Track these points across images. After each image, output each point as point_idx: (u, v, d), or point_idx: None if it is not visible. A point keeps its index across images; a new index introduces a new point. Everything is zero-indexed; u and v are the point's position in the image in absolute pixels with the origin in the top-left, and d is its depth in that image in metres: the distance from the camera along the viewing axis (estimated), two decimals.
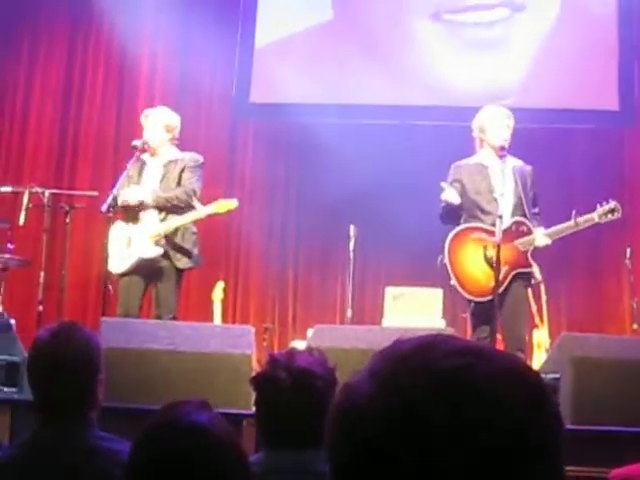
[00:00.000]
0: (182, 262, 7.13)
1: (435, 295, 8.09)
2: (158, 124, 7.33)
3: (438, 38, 9.70)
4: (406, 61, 9.71)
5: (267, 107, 9.96)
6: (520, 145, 6.79)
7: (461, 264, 6.56)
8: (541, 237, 6.50)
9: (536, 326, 8.42)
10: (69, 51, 10.27)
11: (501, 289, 6.29)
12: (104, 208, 6.88)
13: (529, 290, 6.82)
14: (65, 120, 10.16)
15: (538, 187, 6.74)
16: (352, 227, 7.70)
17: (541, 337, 8.49)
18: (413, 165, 9.15)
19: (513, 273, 6.43)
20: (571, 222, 6.46)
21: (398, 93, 9.66)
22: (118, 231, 7.13)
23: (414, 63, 9.70)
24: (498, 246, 6.18)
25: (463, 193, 6.61)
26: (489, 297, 6.28)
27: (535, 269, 6.60)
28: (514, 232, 6.47)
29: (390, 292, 8.45)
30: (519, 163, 6.72)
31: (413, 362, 1.02)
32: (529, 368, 1.07)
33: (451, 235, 6.61)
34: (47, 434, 2.89)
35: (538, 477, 0.99)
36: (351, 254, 7.70)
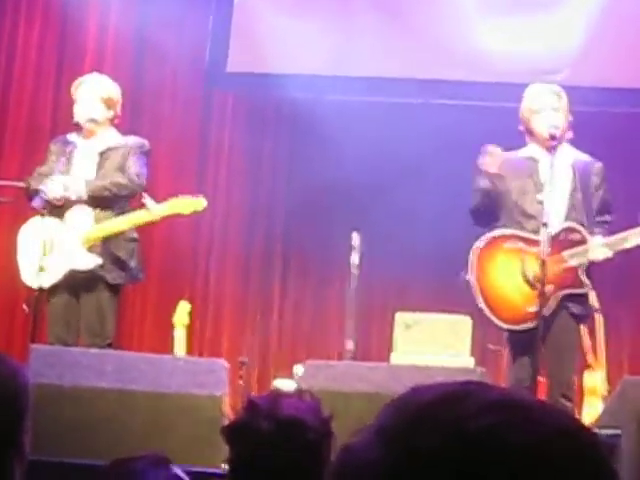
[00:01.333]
0: (112, 276, 7.03)
1: (461, 324, 8.09)
2: (95, 97, 7.17)
3: None
4: (430, 25, 9.71)
5: (249, 78, 9.96)
6: (574, 133, 6.78)
7: (491, 281, 6.52)
8: (598, 248, 6.36)
9: (589, 366, 8.40)
10: None
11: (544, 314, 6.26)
12: (36, 203, 6.85)
13: (581, 319, 6.73)
14: None
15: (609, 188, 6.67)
16: (355, 234, 7.69)
17: (597, 381, 8.47)
18: (435, 154, 9.15)
19: (560, 295, 6.35)
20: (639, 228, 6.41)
21: (420, 65, 9.66)
22: (34, 232, 7.02)
23: (440, 27, 9.70)
24: (543, 261, 6.13)
25: (505, 193, 6.57)
26: (528, 325, 6.26)
27: (590, 292, 6.56)
28: (562, 241, 6.35)
29: (402, 319, 8.45)
30: (584, 157, 6.67)
31: (435, 420, 1.00)
32: (582, 427, 1.06)
33: (479, 244, 6.55)
34: None
35: None
36: (353, 269, 7.69)
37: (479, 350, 8.38)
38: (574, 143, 6.69)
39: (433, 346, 8.09)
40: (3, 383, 2.94)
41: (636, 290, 9.34)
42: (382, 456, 1.01)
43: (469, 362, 7.93)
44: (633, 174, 9.56)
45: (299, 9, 9.81)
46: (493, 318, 6.48)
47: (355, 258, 7.69)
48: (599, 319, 8.25)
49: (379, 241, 8.67)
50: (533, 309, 6.22)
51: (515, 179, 6.56)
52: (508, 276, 6.47)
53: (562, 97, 6.63)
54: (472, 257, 6.51)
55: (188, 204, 7.10)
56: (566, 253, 6.36)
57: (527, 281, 6.37)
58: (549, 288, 6.26)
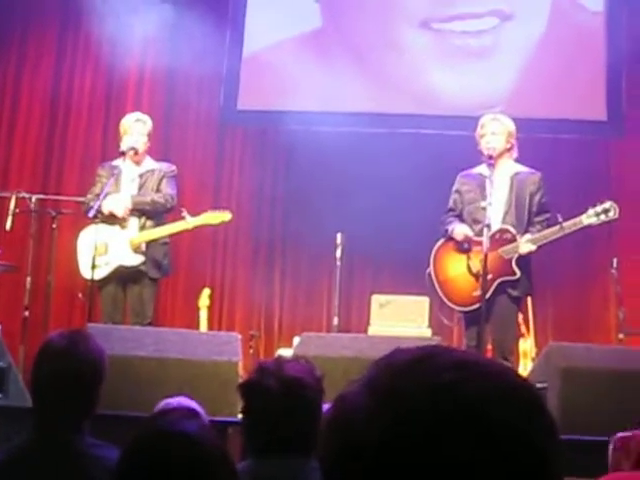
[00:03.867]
0: (152, 272, 7.13)
1: (421, 303, 8.11)
2: (145, 131, 7.32)
3: (426, 46, 9.70)
4: (394, 69, 9.71)
5: (254, 114, 9.95)
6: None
7: (445, 273, 6.65)
8: (525, 244, 6.45)
9: (522, 335, 8.42)
10: (57, 55, 10.21)
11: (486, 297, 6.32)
12: (91, 214, 6.86)
13: (518, 300, 6.73)
14: (52, 124, 10.11)
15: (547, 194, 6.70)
16: (339, 235, 7.70)
17: (527, 346, 8.50)
18: (400, 174, 9.12)
19: (497, 282, 6.43)
20: (556, 227, 6.41)
21: (386, 101, 9.66)
22: (90, 236, 7.06)
23: (402, 71, 9.70)
24: (485, 255, 6.20)
25: (461, 203, 6.67)
26: (475, 306, 6.34)
27: (523, 279, 6.57)
28: (498, 240, 6.45)
29: (376, 300, 8.46)
30: (523, 170, 6.72)
31: (410, 375, 1.01)
32: (524, 380, 1.06)
33: (437, 244, 6.77)
34: (40, 440, 2.88)
35: None
36: (338, 262, 7.70)
37: (436, 324, 8.37)
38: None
39: (400, 320, 8.11)
40: (93, 357, 2.97)
41: (556, 276, 9.33)
42: (369, 404, 1.01)
43: (427, 332, 7.96)
44: (551, 188, 9.55)
45: (292, 60, 9.77)
46: (448, 302, 6.66)
47: (339, 253, 7.69)
48: (529, 299, 8.29)
49: (358, 241, 8.64)
50: (477, 293, 6.33)
51: (469, 192, 6.65)
52: (457, 269, 6.59)
53: (502, 123, 6.68)
54: (432, 255, 6.68)
55: (218, 216, 7.19)
56: (501, 249, 6.44)
57: (471, 273, 6.48)
58: (489, 277, 6.33)
